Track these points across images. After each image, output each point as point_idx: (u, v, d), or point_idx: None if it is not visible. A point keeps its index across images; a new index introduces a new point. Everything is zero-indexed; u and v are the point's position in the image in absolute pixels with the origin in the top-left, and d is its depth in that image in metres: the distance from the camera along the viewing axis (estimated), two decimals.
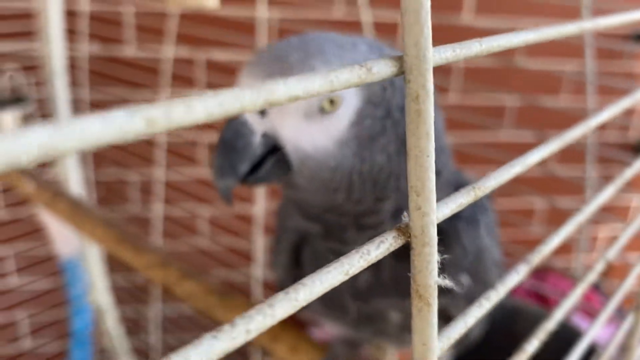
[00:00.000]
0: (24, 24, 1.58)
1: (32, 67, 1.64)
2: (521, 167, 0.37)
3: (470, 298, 0.58)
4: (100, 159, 1.79)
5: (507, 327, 0.74)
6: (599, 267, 0.53)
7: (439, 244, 0.60)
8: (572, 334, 0.90)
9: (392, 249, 0.27)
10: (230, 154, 0.49)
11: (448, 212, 0.30)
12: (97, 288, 1.82)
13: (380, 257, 0.27)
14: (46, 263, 1.80)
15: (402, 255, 0.59)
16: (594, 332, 0.56)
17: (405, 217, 0.28)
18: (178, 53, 1.60)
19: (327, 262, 0.64)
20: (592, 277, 0.52)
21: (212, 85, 1.68)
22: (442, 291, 0.60)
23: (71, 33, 1.64)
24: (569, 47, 1.60)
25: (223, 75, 1.49)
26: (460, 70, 1.69)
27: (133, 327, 1.93)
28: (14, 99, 1.57)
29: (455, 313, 0.64)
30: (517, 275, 0.40)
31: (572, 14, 1.66)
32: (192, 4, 0.90)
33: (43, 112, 1.67)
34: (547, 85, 1.75)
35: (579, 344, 0.52)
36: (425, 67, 0.25)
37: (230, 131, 0.50)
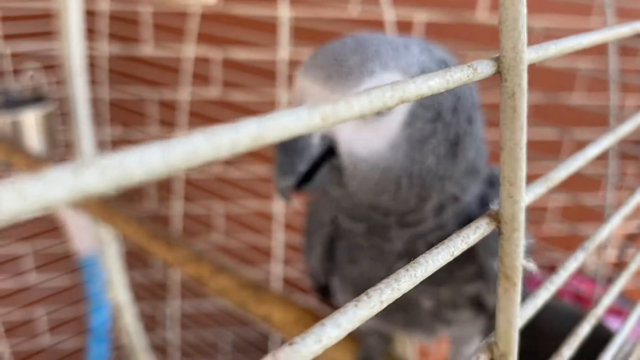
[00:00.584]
0: (43, 24, 1.60)
1: (52, 66, 1.66)
2: (583, 160, 0.39)
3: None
4: None
5: (533, 320, 0.76)
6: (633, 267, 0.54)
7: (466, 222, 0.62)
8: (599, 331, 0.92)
9: (485, 233, 0.30)
10: (290, 154, 0.51)
11: (528, 201, 0.32)
12: (115, 285, 1.84)
13: (477, 240, 0.29)
14: (65, 260, 1.82)
15: (433, 239, 0.61)
16: (626, 331, 0.57)
17: (494, 205, 0.30)
18: (197, 52, 1.62)
19: (368, 256, 0.65)
20: (624, 279, 0.53)
21: (230, 84, 1.70)
22: (475, 277, 0.61)
23: (90, 32, 1.66)
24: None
25: (242, 74, 1.51)
26: None
27: (151, 323, 1.95)
28: (34, 98, 1.59)
29: (488, 298, 0.66)
30: (575, 262, 0.42)
31: (584, 11, 1.68)
32: (192, 1, 0.91)
33: (63, 110, 1.69)
34: (563, 83, 1.77)
35: (612, 344, 0.54)
36: (521, 68, 0.27)
37: (292, 143, 0.52)
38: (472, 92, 0.58)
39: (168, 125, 1.61)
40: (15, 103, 1.55)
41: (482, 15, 1.89)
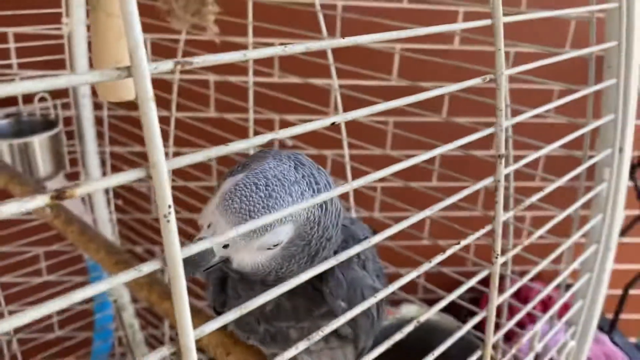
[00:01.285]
0: (53, 51, 1.78)
1: (60, 91, 1.85)
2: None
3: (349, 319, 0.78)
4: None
5: (425, 342, 0.91)
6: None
7: (319, 282, 0.77)
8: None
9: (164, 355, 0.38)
10: (197, 268, 0.68)
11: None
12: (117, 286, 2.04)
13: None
14: (74, 260, 2.03)
15: (297, 291, 0.77)
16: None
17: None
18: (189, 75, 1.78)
19: (242, 294, 0.81)
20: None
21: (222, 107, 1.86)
22: (330, 315, 0.77)
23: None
24: None
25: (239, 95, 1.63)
26: None
27: (148, 321, 2.15)
28: (45, 124, 1.78)
29: (342, 330, 0.84)
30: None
31: None
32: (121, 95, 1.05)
33: (67, 130, 1.88)
34: None
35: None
36: None
37: (202, 257, 0.67)
38: (337, 214, 0.75)
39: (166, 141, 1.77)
40: (25, 127, 1.75)
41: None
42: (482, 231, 0.65)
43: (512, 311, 1.29)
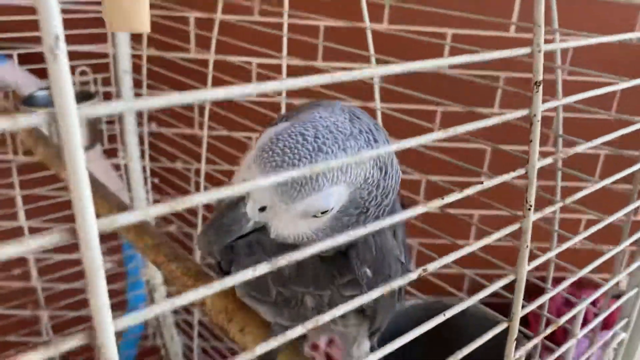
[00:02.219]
0: (96, 28, 1.77)
1: (101, 65, 1.84)
2: None
3: (372, 288, 0.67)
4: (157, 152, 1.97)
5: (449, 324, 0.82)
6: None
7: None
8: None
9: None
10: (225, 235, 0.58)
11: None
12: (150, 266, 2.02)
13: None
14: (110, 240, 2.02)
15: (325, 259, 0.68)
16: None
17: None
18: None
19: (257, 251, 0.72)
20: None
21: None
22: (353, 284, 0.68)
23: (135, 37, 1.83)
24: None
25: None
26: None
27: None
28: (83, 95, 1.77)
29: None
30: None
31: None
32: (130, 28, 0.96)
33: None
34: None
35: None
36: None
37: (233, 221, 0.57)
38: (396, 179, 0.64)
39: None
40: None
41: None
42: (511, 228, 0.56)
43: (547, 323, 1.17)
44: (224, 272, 0.80)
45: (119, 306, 2.12)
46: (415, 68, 0.40)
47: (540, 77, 0.51)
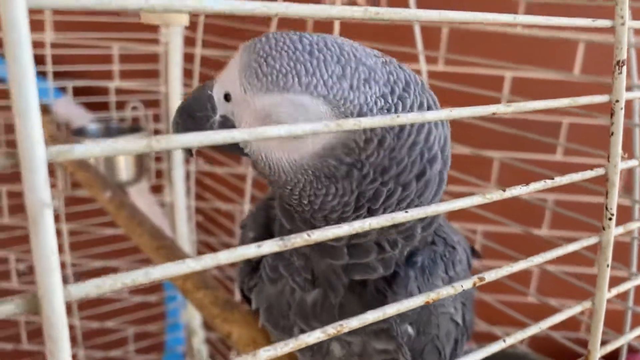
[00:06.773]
0: (149, 65, 1.80)
1: (153, 102, 1.86)
2: None
3: (414, 350, 0.56)
4: (203, 188, 1.95)
5: None
6: None
7: (387, 287, 0.59)
8: None
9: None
10: (188, 120, 0.54)
11: None
12: (190, 308, 1.96)
13: None
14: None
15: (355, 288, 0.60)
16: None
17: None
18: None
19: (285, 280, 0.64)
20: None
21: None
22: (391, 336, 0.59)
23: (187, 73, 1.84)
24: None
25: None
26: None
27: (217, 349, 2.04)
28: (132, 129, 1.79)
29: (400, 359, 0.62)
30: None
31: None
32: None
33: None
34: None
35: None
36: None
37: (196, 101, 0.54)
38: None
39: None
40: (113, 132, 1.76)
41: None
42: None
43: None
44: (244, 296, 0.73)
45: (155, 348, 2.05)
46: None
47: (624, 56, 0.43)
